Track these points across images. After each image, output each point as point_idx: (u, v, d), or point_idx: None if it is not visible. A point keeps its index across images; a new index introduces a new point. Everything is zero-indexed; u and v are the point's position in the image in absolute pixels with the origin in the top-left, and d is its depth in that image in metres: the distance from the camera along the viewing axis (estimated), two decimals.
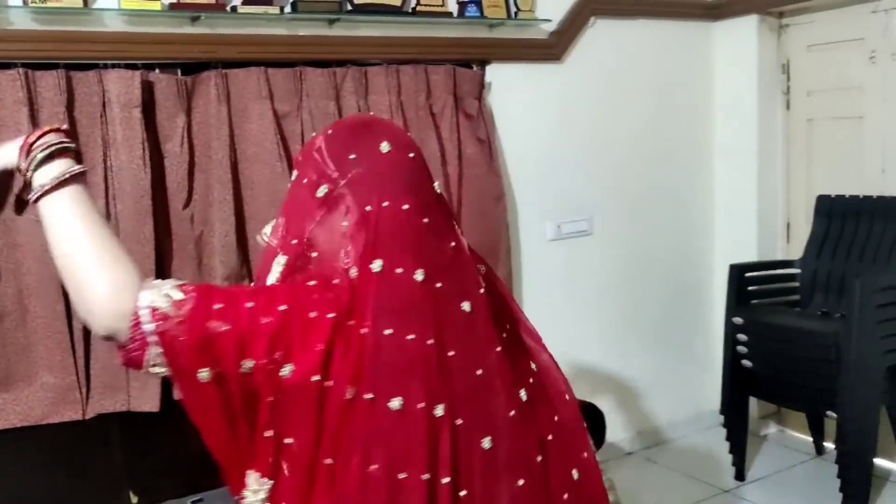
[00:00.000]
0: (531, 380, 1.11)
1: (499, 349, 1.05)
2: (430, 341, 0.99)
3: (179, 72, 2.31)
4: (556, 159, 3.09)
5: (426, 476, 0.96)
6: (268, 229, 1.19)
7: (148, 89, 2.23)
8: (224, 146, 2.34)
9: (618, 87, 3.23)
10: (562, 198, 3.12)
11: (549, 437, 1.10)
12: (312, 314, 0.95)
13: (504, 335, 1.09)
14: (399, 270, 1.00)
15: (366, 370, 0.95)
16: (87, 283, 0.93)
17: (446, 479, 0.97)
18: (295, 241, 1.03)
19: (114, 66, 2.20)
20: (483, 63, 2.84)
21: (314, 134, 1.13)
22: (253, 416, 0.96)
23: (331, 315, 0.95)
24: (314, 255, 1.02)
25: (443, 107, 2.69)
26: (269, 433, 0.96)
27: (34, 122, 2.09)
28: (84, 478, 2.19)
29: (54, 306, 2.15)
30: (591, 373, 3.19)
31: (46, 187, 0.97)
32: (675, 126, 3.42)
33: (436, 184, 1.11)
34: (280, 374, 0.93)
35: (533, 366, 1.15)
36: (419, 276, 1.00)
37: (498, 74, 2.88)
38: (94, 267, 0.94)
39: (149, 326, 0.91)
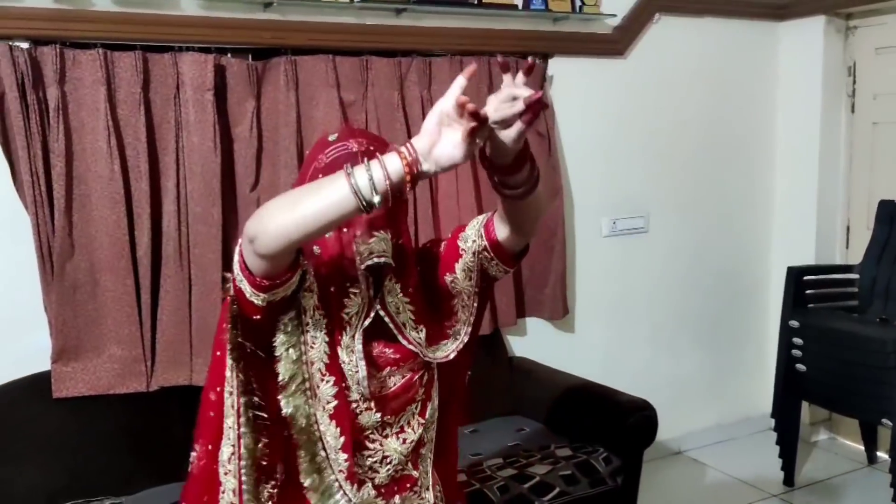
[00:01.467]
0: None
1: None
2: None
3: (250, 57, 2.33)
4: (614, 155, 3.05)
5: None
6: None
7: (220, 73, 2.26)
8: (291, 132, 2.36)
9: (680, 84, 3.17)
10: (619, 194, 3.09)
11: None
12: None
13: None
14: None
15: None
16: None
17: None
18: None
19: (188, 49, 2.23)
20: (545, 56, 2.81)
21: (352, 146, 1.15)
22: None
23: None
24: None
25: None
26: None
27: (111, 101, 2.15)
28: (145, 449, 2.21)
29: (124, 280, 2.19)
30: (642, 370, 3.16)
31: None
32: (736, 126, 3.35)
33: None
34: None
35: None
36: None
37: (560, 68, 2.85)
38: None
39: None
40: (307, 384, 1.13)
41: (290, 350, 1.12)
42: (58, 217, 2.10)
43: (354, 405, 1.16)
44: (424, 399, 1.22)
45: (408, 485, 1.23)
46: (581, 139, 2.94)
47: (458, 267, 1.21)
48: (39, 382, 2.15)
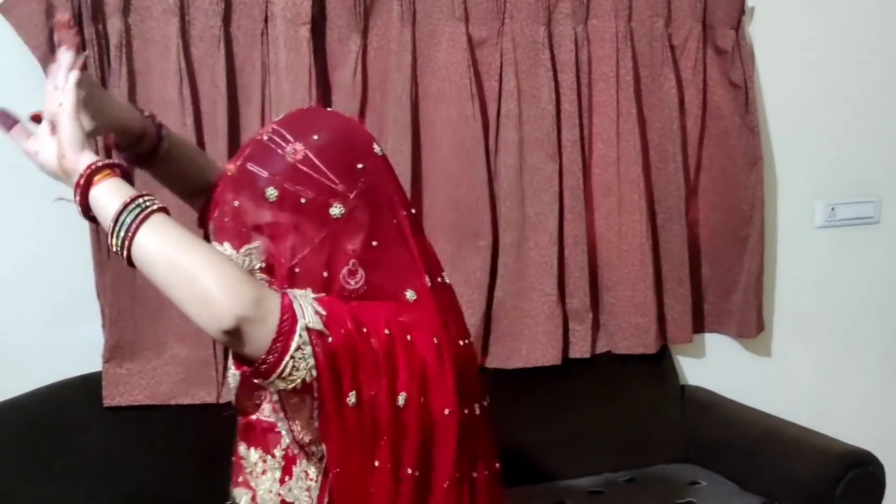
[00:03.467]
0: None
1: None
2: (470, 339, 1.20)
3: None
4: (835, 119, 2.85)
5: (486, 472, 1.18)
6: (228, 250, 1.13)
7: (318, 2, 2.20)
8: (404, 79, 2.28)
9: None
10: (839, 171, 2.90)
11: None
12: (408, 338, 1.07)
13: None
14: (439, 279, 1.16)
15: (461, 386, 1.10)
16: (200, 281, 0.99)
17: (495, 465, 1.20)
18: (298, 270, 1.09)
19: None
20: None
21: (263, 137, 1.13)
22: (393, 451, 1.08)
23: (429, 339, 1.09)
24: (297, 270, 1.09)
25: (686, 38, 2.52)
26: (414, 472, 1.09)
27: (184, 37, 2.11)
28: (210, 471, 2.16)
29: None
30: (864, 409, 2.98)
31: (125, 239, 1.02)
32: None
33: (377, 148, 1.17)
34: (397, 403, 1.06)
35: None
36: (446, 278, 1.20)
37: None
38: (202, 269, 1.00)
39: (302, 321, 1.01)
40: None
41: None
42: None
43: None
44: None
45: None
46: (791, 95, 2.76)
47: None
48: (89, 385, 2.15)
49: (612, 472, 2.46)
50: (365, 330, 1.03)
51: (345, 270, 1.08)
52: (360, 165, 1.10)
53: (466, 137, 2.30)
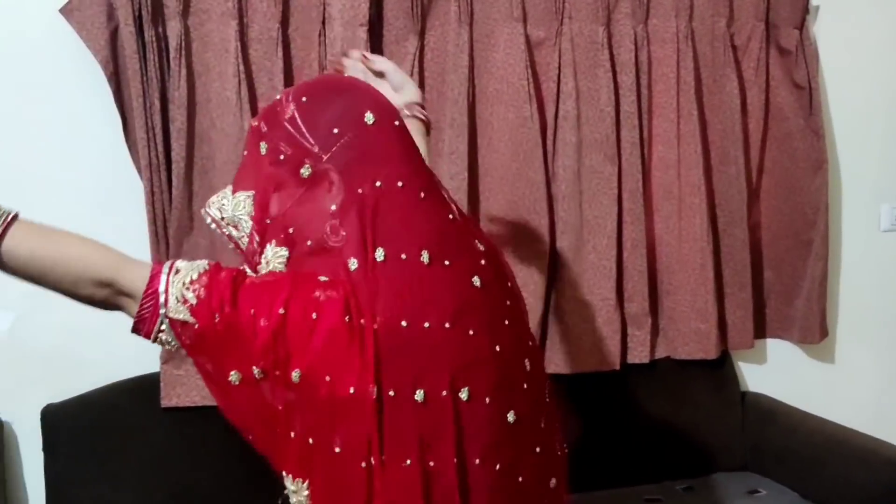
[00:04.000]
0: (527, 359, 1.23)
1: (506, 322, 1.18)
2: (447, 325, 1.10)
3: None
4: None
5: (455, 461, 1.10)
6: (215, 201, 1.20)
7: (376, 4, 2.20)
8: (462, 80, 2.25)
9: None
10: None
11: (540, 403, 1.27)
12: (314, 315, 1.06)
13: (508, 303, 1.21)
14: (403, 256, 1.10)
15: (385, 368, 1.06)
16: (74, 259, 1.10)
17: (476, 461, 1.12)
18: (269, 221, 1.13)
19: None
20: None
21: (278, 97, 1.18)
22: (299, 422, 1.10)
23: (340, 317, 1.06)
24: (309, 243, 1.11)
25: (748, 37, 2.48)
26: (292, 434, 1.10)
27: (242, 39, 2.11)
28: (266, 475, 2.16)
29: None
30: None
31: None
32: None
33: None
34: (291, 380, 1.06)
35: (530, 342, 1.29)
36: (425, 258, 1.10)
37: None
38: (77, 249, 1.11)
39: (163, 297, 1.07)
40: None
41: None
42: (176, 184, 2.10)
43: None
44: None
45: None
46: (857, 96, 2.70)
47: None
48: (146, 387, 2.16)
49: (670, 480, 2.42)
50: (253, 311, 1.06)
51: (328, 227, 1.10)
52: (335, 130, 1.11)
53: (524, 139, 2.27)
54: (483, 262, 1.18)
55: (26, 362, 2.16)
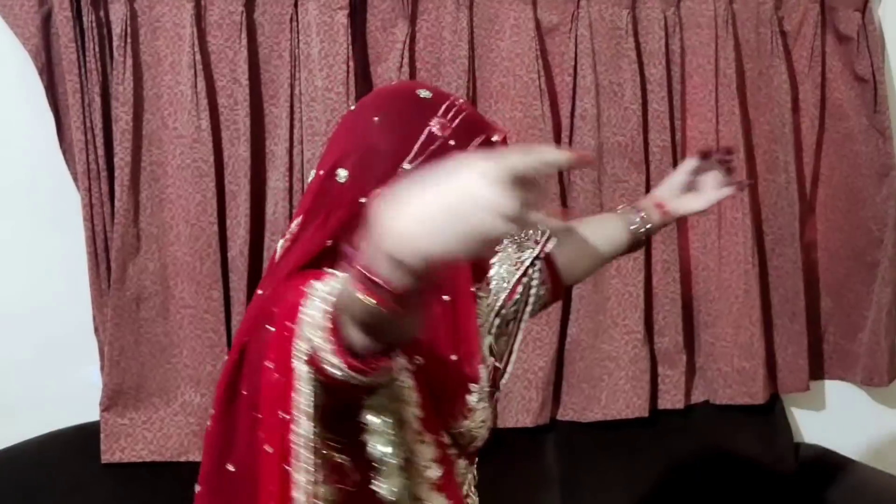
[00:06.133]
0: None
1: None
2: None
3: None
4: None
5: None
6: None
7: None
8: (460, 73, 2.14)
9: None
10: None
11: None
12: None
13: None
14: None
15: None
16: None
17: None
18: None
19: None
20: None
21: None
22: None
23: None
24: None
25: (801, 22, 2.35)
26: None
27: (200, 24, 2.01)
28: None
29: (209, 292, 2.06)
30: None
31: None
32: None
33: None
34: None
35: None
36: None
37: None
38: None
39: None
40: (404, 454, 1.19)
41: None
42: (119, 195, 1.99)
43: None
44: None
45: None
46: None
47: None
48: (86, 437, 2.06)
49: None
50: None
51: None
52: (422, 93, 1.19)
53: (534, 141, 2.15)
54: None
55: None
